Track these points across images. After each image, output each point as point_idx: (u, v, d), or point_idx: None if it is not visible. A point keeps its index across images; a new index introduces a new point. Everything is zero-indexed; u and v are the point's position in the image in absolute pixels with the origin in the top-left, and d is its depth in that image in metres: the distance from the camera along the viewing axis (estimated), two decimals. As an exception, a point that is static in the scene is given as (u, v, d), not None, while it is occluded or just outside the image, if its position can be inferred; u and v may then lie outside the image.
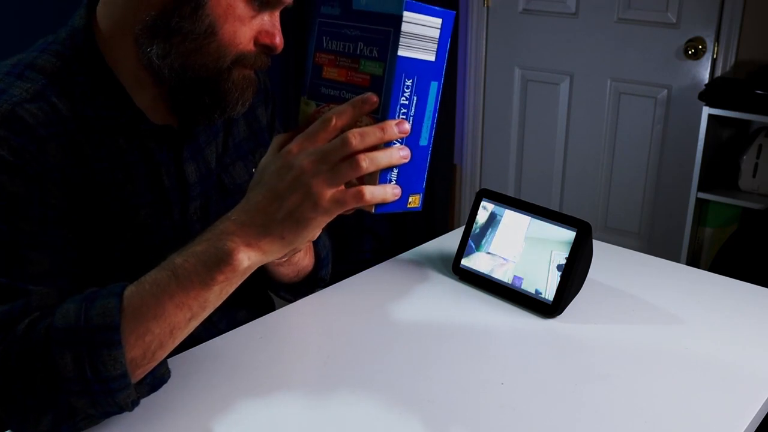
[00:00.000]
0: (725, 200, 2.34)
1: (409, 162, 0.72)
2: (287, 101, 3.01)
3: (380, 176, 0.71)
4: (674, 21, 2.59)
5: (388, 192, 0.72)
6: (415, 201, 0.76)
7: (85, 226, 0.82)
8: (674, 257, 2.15)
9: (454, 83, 3.08)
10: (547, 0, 2.84)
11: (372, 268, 1.14)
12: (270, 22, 0.85)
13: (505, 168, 3.14)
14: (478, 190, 1.23)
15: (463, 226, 1.11)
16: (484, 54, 3.05)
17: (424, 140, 0.74)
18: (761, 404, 0.81)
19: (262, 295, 1.12)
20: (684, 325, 0.98)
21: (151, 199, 0.89)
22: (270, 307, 1.12)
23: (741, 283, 1.11)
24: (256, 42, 0.84)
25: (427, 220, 3.10)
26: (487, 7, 2.98)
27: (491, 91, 3.08)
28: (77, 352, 0.69)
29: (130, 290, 0.72)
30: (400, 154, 0.71)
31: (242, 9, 0.81)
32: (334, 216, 0.72)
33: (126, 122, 0.86)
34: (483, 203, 1.08)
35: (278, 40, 0.85)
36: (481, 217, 1.08)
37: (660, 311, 1.02)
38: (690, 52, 2.57)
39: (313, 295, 1.05)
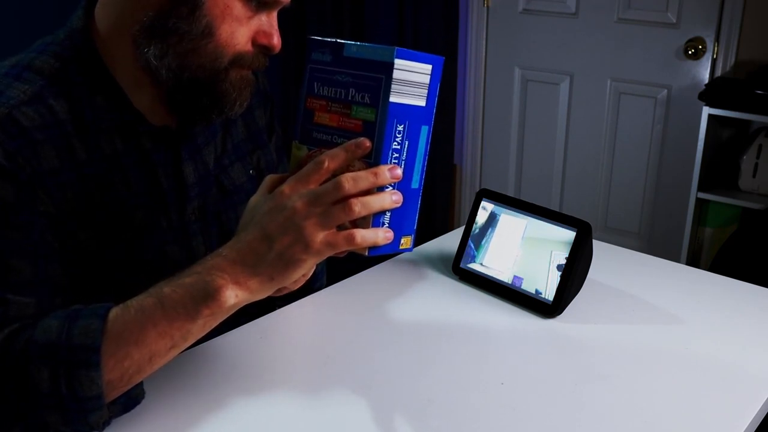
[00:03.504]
0: (725, 200, 2.34)
1: (400, 205, 0.73)
2: (287, 103, 3.01)
3: (373, 219, 0.72)
4: (674, 21, 2.59)
5: (380, 236, 0.72)
6: (406, 242, 0.77)
7: (81, 229, 0.82)
8: (674, 257, 2.15)
9: (454, 83, 3.08)
10: (547, 0, 2.84)
11: (372, 268, 1.14)
12: (268, 22, 0.85)
13: (505, 168, 3.14)
14: (478, 190, 1.23)
15: (463, 226, 1.11)
16: (484, 54, 3.05)
17: (416, 183, 0.76)
18: (761, 404, 0.81)
19: (264, 300, 1.12)
20: (684, 325, 0.98)
21: (147, 200, 0.88)
22: (271, 307, 1.12)
23: (741, 283, 1.11)
24: (254, 42, 0.84)
25: (427, 220, 3.10)
26: (487, 7, 2.98)
27: (491, 91, 3.08)
28: (54, 369, 0.69)
29: (114, 313, 0.72)
30: (392, 198, 0.72)
31: (239, 9, 0.81)
32: (325, 258, 0.72)
33: (124, 123, 0.86)
34: (483, 203, 1.08)
35: (276, 40, 0.85)
36: (481, 217, 1.08)
37: (660, 311, 1.02)
38: (690, 52, 2.57)
39: (313, 295, 1.05)
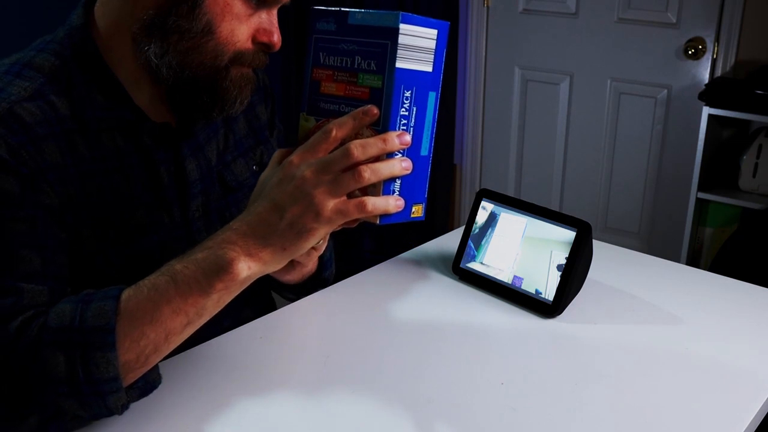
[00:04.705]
0: (725, 200, 2.34)
1: (410, 172, 0.73)
2: (288, 100, 3.01)
3: (383, 188, 0.72)
4: (674, 21, 2.59)
5: (391, 203, 0.72)
6: (418, 210, 0.77)
7: (83, 226, 0.82)
8: (674, 257, 2.15)
9: (454, 83, 3.08)
10: (547, 0, 2.84)
11: (372, 268, 1.14)
12: (268, 19, 0.85)
13: (505, 168, 3.14)
14: (478, 190, 1.23)
15: (463, 226, 1.11)
16: (484, 54, 3.05)
17: (425, 150, 0.75)
18: (761, 404, 0.81)
19: (266, 295, 1.12)
20: (684, 325, 0.98)
21: (149, 198, 0.88)
22: (271, 307, 1.12)
23: (741, 283, 1.11)
24: (254, 40, 0.84)
25: (427, 220, 3.09)
26: (487, 7, 2.98)
27: (491, 91, 3.08)
28: (70, 353, 0.69)
29: (127, 293, 0.72)
30: (401, 165, 0.72)
31: (239, 7, 0.81)
32: (335, 227, 0.72)
33: (125, 121, 0.85)
34: (483, 203, 1.08)
35: (276, 38, 0.85)
36: (481, 217, 1.07)
37: (660, 311, 1.02)
38: (690, 52, 2.57)
39: (313, 294, 1.05)
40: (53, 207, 0.79)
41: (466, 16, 3.01)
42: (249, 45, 0.84)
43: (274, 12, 0.86)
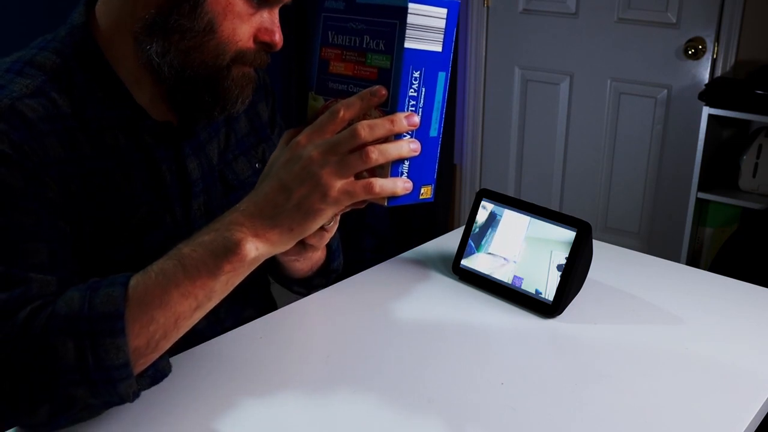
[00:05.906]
0: (725, 200, 2.34)
1: (419, 154, 0.72)
2: (288, 99, 3.02)
3: (392, 169, 0.71)
4: (674, 21, 2.59)
5: (399, 185, 0.72)
6: (427, 192, 0.76)
7: (85, 223, 0.82)
8: (674, 257, 2.15)
9: (454, 83, 3.08)
10: (547, 0, 2.84)
11: (372, 268, 1.14)
12: (269, 19, 0.85)
13: (505, 168, 3.14)
14: (478, 190, 1.23)
15: (463, 226, 1.11)
16: (484, 54, 3.05)
17: (434, 131, 0.74)
18: (761, 404, 0.81)
19: (266, 294, 1.12)
20: (684, 325, 0.98)
21: (151, 197, 0.88)
22: (272, 307, 1.12)
23: (741, 283, 1.11)
24: (256, 39, 0.84)
25: (428, 219, 3.10)
26: (487, 7, 2.98)
27: (491, 91, 3.08)
28: (79, 340, 0.69)
29: (135, 279, 0.72)
30: (410, 146, 0.71)
31: (241, 6, 0.82)
32: (343, 207, 0.72)
33: (126, 119, 0.86)
34: (483, 203, 1.08)
35: (277, 37, 0.85)
36: (481, 217, 1.08)
37: (660, 311, 1.02)
38: (690, 52, 2.57)
39: (313, 294, 1.05)
40: (56, 201, 0.79)
41: (466, 16, 3.01)
42: (250, 44, 0.84)
43: (276, 11, 0.86)
